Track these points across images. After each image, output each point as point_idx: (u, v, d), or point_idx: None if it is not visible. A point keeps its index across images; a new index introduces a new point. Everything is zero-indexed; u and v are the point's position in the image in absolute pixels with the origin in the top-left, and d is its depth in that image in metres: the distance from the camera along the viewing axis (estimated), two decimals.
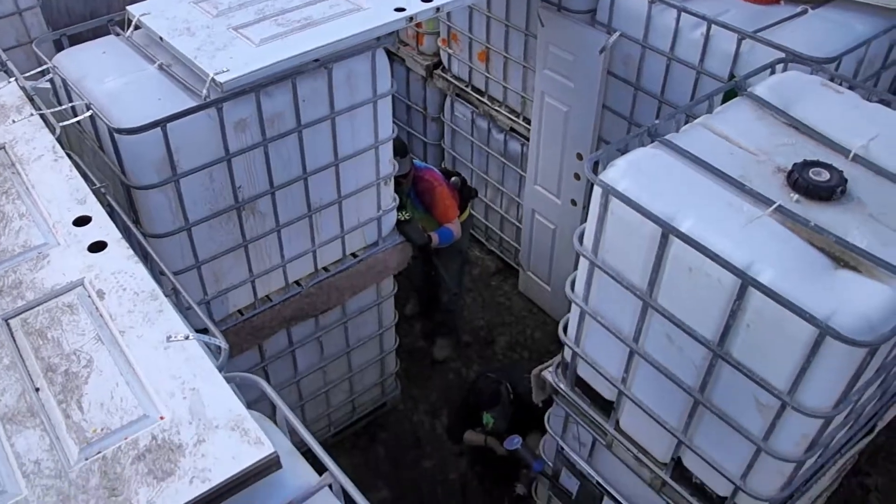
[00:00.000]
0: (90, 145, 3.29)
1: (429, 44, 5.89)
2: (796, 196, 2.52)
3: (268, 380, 4.13)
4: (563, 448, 3.67)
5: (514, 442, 3.90)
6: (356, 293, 4.14)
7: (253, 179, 3.34)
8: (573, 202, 5.10)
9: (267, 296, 3.80)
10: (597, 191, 2.63)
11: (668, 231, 2.40)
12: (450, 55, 5.67)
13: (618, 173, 2.61)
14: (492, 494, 4.81)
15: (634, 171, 2.61)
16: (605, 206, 2.62)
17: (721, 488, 2.87)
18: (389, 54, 5.82)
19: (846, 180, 2.51)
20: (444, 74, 5.81)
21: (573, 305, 3.05)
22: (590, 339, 3.07)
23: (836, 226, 2.39)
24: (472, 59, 5.44)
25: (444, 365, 5.54)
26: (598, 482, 3.55)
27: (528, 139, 5.26)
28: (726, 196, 2.51)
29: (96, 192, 2.50)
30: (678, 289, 2.51)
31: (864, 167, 2.62)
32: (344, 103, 3.45)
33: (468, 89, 5.67)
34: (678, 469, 3.00)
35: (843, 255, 2.32)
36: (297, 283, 3.88)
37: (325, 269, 3.97)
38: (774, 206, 2.44)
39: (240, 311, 3.76)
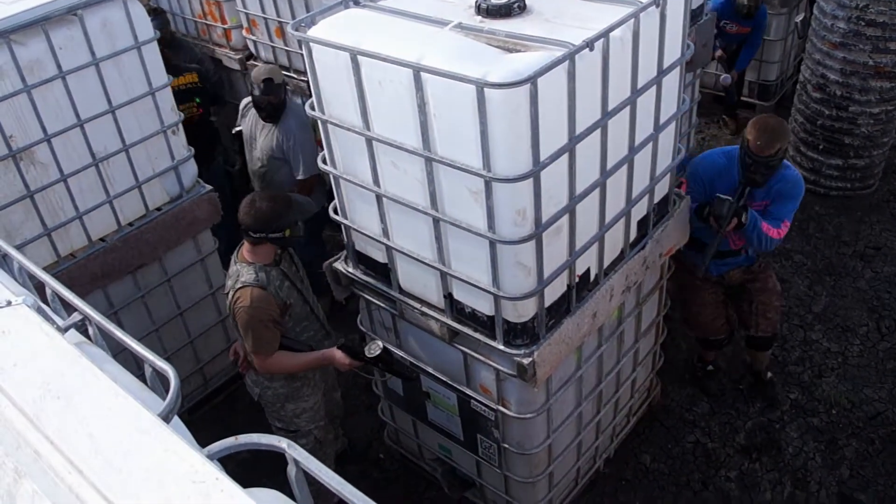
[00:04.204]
0: None
1: (237, 38, 6.14)
2: (480, 18, 2.82)
3: None
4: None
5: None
6: (170, 248, 4.26)
7: (24, 128, 3.50)
8: None
9: (72, 254, 3.91)
10: (305, 53, 2.91)
11: (353, 53, 2.67)
12: (255, 42, 5.93)
13: (317, 30, 2.89)
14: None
15: (331, 25, 2.90)
16: (310, 57, 2.88)
17: (486, 307, 3.08)
18: (212, 58, 6.11)
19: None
20: (255, 63, 6.00)
21: (331, 178, 3.28)
22: (353, 208, 3.30)
23: (514, 31, 2.68)
24: (271, 38, 5.70)
25: None
26: (410, 363, 3.73)
27: None
28: (416, 27, 2.79)
29: None
30: (382, 110, 2.77)
31: None
32: (105, 51, 3.65)
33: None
34: (453, 306, 3.21)
35: (516, 46, 2.61)
36: (102, 240, 4.00)
37: (130, 224, 4.10)
38: (454, 23, 2.73)
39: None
